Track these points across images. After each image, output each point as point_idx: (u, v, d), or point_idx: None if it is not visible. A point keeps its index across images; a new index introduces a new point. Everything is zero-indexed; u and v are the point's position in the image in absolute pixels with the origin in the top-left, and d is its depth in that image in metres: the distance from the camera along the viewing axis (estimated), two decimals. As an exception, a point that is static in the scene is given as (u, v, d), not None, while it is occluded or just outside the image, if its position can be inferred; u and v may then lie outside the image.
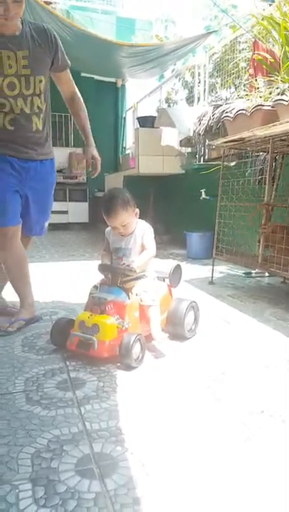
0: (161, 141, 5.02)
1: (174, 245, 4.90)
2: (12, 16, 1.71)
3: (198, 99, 5.38)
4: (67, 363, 1.62)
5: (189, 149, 5.15)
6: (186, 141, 4.80)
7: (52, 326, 1.75)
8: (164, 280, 1.97)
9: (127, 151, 7.48)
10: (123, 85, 8.08)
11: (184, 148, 5.19)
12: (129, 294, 1.72)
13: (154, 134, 5.09)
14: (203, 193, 4.27)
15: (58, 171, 6.93)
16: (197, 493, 0.93)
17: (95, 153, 2.12)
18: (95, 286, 1.82)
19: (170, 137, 5.02)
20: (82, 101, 2.14)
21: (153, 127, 5.24)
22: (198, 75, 5.41)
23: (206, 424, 1.21)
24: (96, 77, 7.35)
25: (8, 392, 1.37)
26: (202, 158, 4.79)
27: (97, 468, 1.00)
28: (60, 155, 7.22)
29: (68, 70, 2.05)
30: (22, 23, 1.85)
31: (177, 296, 1.99)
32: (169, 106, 6.76)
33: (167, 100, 7.12)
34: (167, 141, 5.00)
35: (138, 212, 1.82)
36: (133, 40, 5.23)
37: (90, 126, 2.16)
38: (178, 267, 2.02)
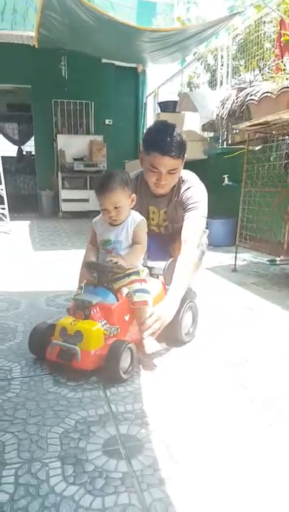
0: (182, 126, 4.95)
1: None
2: (163, 184, 1.79)
3: (221, 82, 5.27)
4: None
5: (212, 134, 5.06)
6: (208, 126, 4.71)
7: (30, 333, 1.52)
8: (157, 277, 1.77)
9: (148, 138, 7.41)
10: (144, 71, 7.97)
11: (206, 133, 5.10)
12: (118, 294, 1.51)
13: (176, 118, 5.00)
14: (226, 178, 4.20)
15: (78, 159, 7.00)
16: (221, 474, 0.94)
17: (164, 316, 1.55)
18: (80, 287, 1.58)
19: (192, 122, 4.94)
20: (189, 257, 1.73)
21: (174, 112, 5.16)
22: (221, 58, 5.28)
23: (229, 408, 1.21)
24: (116, 63, 7.26)
25: (36, 375, 1.41)
26: (225, 143, 4.71)
27: (124, 449, 1.02)
28: (80, 143, 7.25)
29: (191, 219, 1.81)
30: (177, 182, 1.87)
31: None
32: (190, 90, 6.64)
33: (189, 84, 6.99)
34: (189, 126, 4.92)
35: (134, 199, 1.62)
36: (154, 24, 5.12)
37: (181, 286, 1.65)
38: (174, 263, 1.74)
